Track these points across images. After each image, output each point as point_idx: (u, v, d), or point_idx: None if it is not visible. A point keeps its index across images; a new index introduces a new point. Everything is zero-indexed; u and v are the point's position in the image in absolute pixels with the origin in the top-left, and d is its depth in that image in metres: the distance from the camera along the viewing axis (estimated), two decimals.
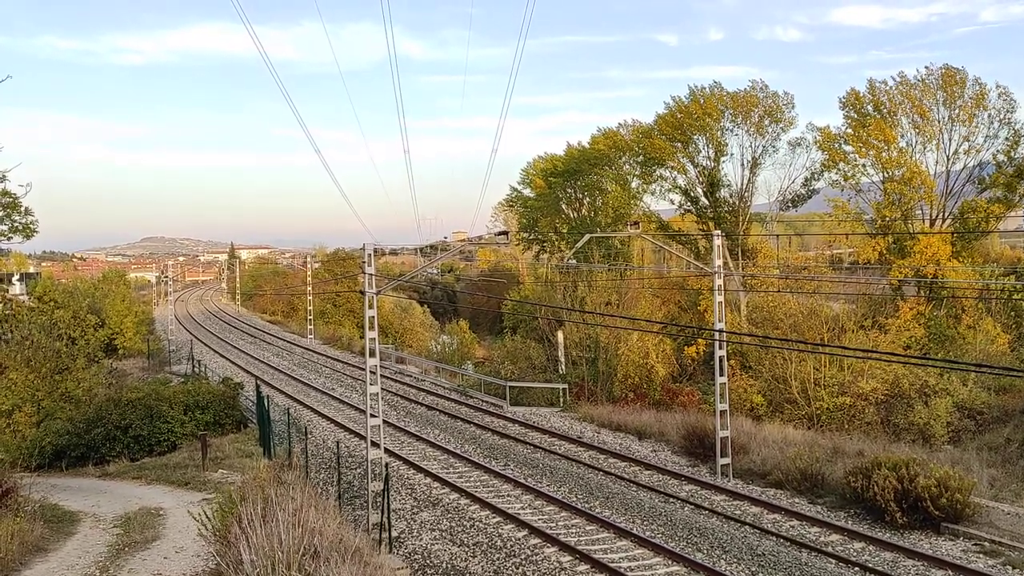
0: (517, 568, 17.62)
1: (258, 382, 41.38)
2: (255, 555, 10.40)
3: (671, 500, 22.65)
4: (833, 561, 17.57)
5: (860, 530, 19.46)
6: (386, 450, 25.05)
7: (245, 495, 13.28)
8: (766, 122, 57.42)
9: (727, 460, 25.02)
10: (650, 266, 65.26)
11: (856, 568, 17.08)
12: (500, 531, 20.15)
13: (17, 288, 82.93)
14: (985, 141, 50.05)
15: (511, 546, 19.01)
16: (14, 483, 18.08)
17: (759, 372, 42.07)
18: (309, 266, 79.79)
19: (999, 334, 44.56)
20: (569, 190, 75.89)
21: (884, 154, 50.84)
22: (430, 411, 37.44)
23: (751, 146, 58.07)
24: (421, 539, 19.85)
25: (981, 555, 17.77)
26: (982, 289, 48.82)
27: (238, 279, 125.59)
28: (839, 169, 53.70)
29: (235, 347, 65.60)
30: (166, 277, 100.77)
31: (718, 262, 25.41)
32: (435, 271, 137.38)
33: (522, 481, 24.57)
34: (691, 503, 22.22)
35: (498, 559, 18.22)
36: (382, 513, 18.87)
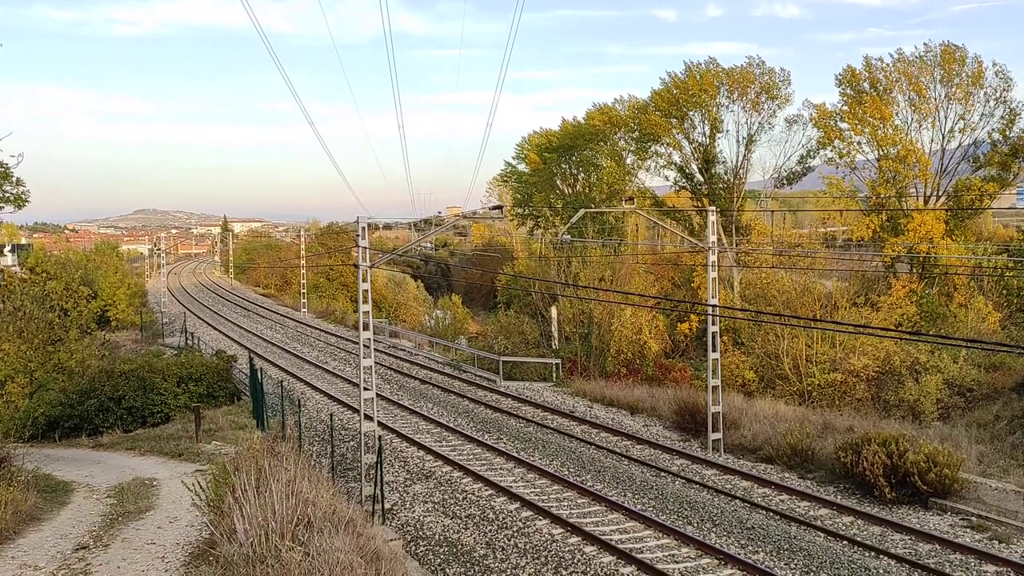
0: (509, 540, 17.76)
1: (251, 355, 41.39)
2: (248, 525, 10.45)
3: (662, 474, 22.81)
4: (822, 535, 17.76)
5: (849, 504, 19.65)
6: (379, 423, 25.17)
7: (239, 466, 13.30)
8: (762, 99, 57.13)
9: (718, 435, 25.18)
10: (644, 242, 65.24)
11: (844, 542, 17.27)
12: (492, 504, 20.29)
13: (9, 259, 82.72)
14: (981, 119, 50.05)
15: (503, 518, 19.15)
16: (7, 453, 18.09)
17: (751, 348, 42.21)
18: (303, 239, 79.53)
19: (990, 312, 44.77)
20: (564, 165, 75.68)
21: (879, 132, 50.77)
22: (423, 385, 37.53)
23: (747, 123, 57.85)
24: (414, 511, 19.99)
25: (968, 530, 17.97)
26: (974, 267, 49.00)
27: (231, 252, 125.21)
28: (834, 147, 53.64)
29: (228, 320, 65.54)
30: (159, 250, 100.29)
31: (712, 238, 25.40)
32: (429, 246, 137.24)
33: (514, 454, 24.71)
34: (682, 477, 22.38)
35: (490, 531, 18.37)
36: (375, 485, 18.97)
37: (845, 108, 52.36)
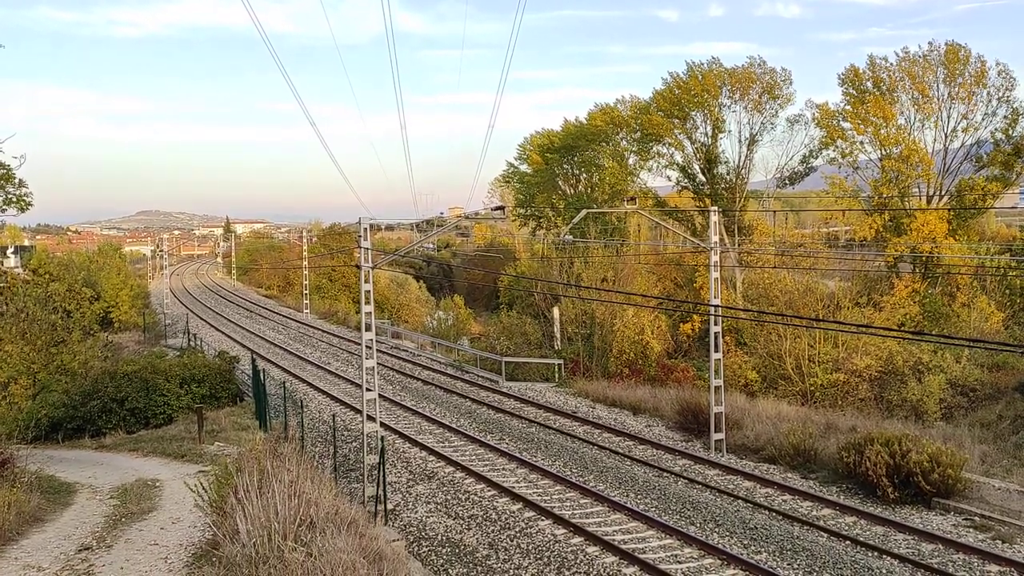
0: (512, 541, 17.76)
1: (254, 356, 41.45)
2: (251, 525, 10.47)
3: (665, 474, 22.79)
4: (825, 535, 17.73)
5: (852, 504, 19.63)
6: (382, 424, 25.18)
7: (241, 467, 13.32)
8: (764, 99, 57.16)
9: (721, 435, 25.15)
10: (646, 242, 65.22)
11: (847, 542, 17.24)
12: (495, 504, 20.28)
13: (12, 261, 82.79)
14: (984, 119, 50.06)
15: (505, 519, 19.14)
16: (11, 454, 18.10)
17: (754, 348, 42.18)
18: (305, 241, 79.58)
19: (993, 312, 44.70)
20: (566, 166, 75.74)
21: (882, 131, 50.76)
22: (426, 386, 37.54)
23: (749, 123, 57.91)
24: (416, 511, 19.98)
25: (971, 529, 17.94)
26: (977, 267, 48.95)
27: (233, 253, 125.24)
28: (837, 146, 53.66)
29: (231, 321, 65.59)
30: (161, 251, 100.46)
31: (714, 238, 25.38)
32: (431, 246, 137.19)
33: (517, 455, 24.70)
34: (685, 477, 22.36)
35: (493, 531, 18.36)
36: (378, 486, 18.99)
37: (848, 108, 52.36)
